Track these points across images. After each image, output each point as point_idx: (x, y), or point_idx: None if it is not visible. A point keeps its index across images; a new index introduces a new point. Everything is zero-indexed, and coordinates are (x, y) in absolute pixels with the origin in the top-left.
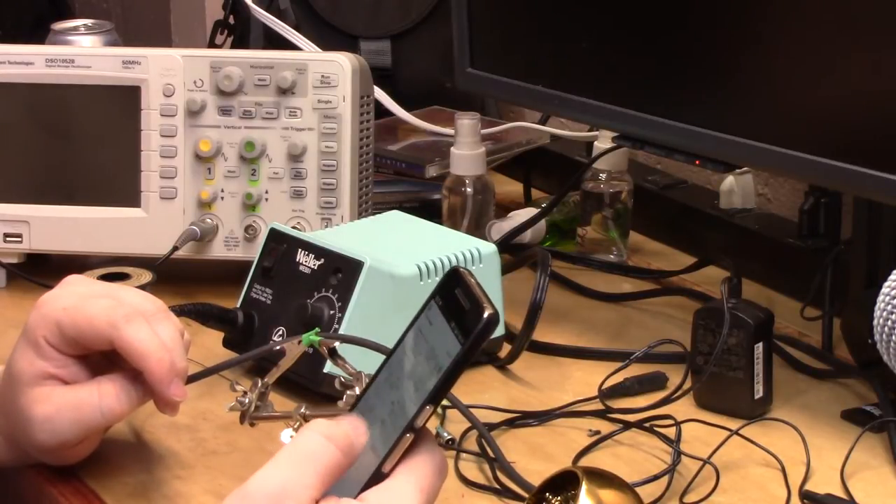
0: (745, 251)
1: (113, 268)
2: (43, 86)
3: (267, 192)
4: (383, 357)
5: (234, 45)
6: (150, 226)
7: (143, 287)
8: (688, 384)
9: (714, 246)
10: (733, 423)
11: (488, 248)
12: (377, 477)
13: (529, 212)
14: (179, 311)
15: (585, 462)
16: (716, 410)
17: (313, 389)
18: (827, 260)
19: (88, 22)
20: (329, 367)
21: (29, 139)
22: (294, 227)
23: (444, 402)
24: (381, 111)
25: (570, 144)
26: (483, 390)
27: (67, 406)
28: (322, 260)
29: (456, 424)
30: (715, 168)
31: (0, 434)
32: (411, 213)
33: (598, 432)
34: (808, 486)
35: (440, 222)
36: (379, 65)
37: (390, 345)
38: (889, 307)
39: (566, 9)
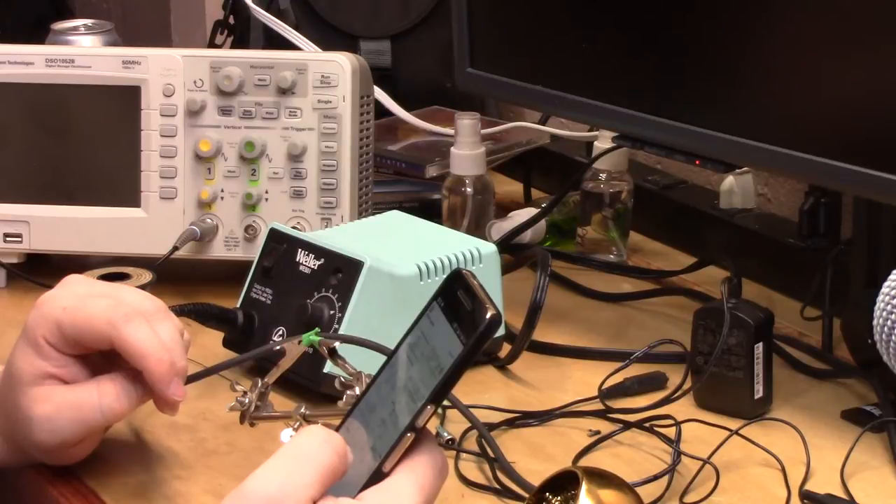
0: (745, 251)
1: (113, 268)
2: (43, 86)
3: (267, 192)
4: (383, 357)
5: (234, 45)
6: (150, 226)
7: (143, 287)
8: (688, 384)
9: (714, 246)
10: (733, 423)
11: (488, 248)
12: (377, 476)
13: (529, 212)
14: (179, 311)
15: (585, 462)
16: (716, 410)
17: (313, 389)
18: (827, 260)
19: (88, 22)
20: (329, 367)
21: (29, 139)
22: (294, 227)
23: (445, 402)
24: (381, 111)
25: (570, 144)
26: (483, 390)
27: (67, 405)
28: (322, 260)
29: (456, 424)
30: (715, 168)
31: (0, 434)
32: (411, 213)
33: (598, 432)
34: (808, 486)
35: (440, 222)
36: (379, 65)
37: (390, 345)
38: (889, 307)
39: (566, 9)
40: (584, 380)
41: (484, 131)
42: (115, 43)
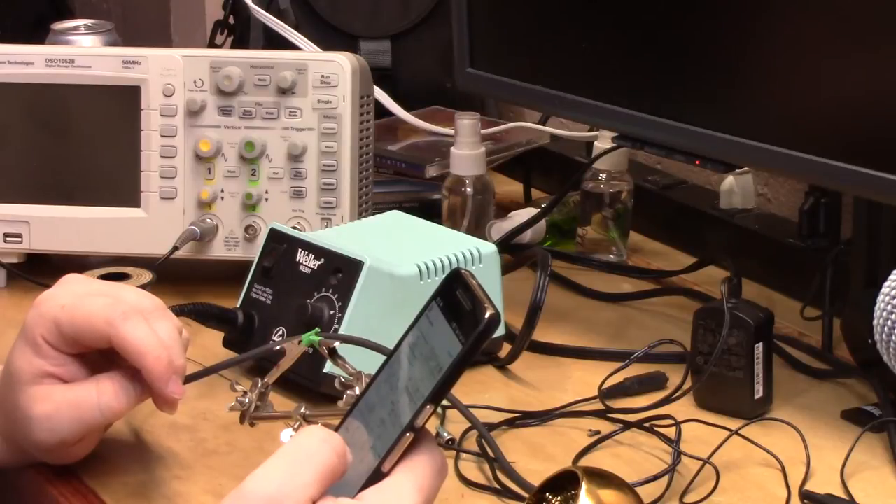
0: (745, 251)
1: (113, 268)
2: (43, 86)
3: (267, 192)
4: (383, 357)
5: (234, 45)
6: (150, 226)
7: (143, 287)
8: (688, 384)
9: (714, 246)
10: (733, 423)
11: (488, 248)
12: (376, 476)
13: (529, 212)
14: (179, 311)
15: (585, 462)
16: (716, 410)
17: (313, 389)
18: (827, 260)
19: (88, 22)
20: (329, 367)
21: (29, 139)
22: (294, 227)
23: (444, 402)
24: (381, 111)
25: (570, 144)
26: (483, 390)
27: (66, 404)
28: (322, 260)
29: (456, 424)
30: (715, 168)
31: (0, 434)
32: (411, 213)
33: (598, 432)
34: (808, 486)
35: (440, 222)
36: (379, 65)
37: (390, 345)
38: (889, 307)
39: (566, 9)
40: (584, 380)
41: (484, 131)
42: (115, 43)
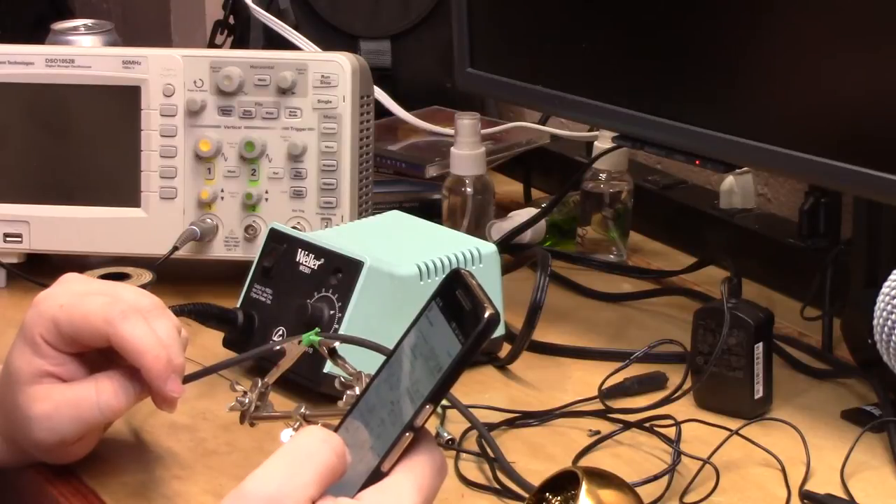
0: (745, 251)
1: (113, 268)
2: (43, 86)
3: (267, 192)
4: (383, 357)
5: (234, 45)
6: (150, 226)
7: (143, 287)
8: (688, 384)
9: (714, 246)
10: (733, 423)
11: (488, 248)
12: (376, 476)
13: (529, 212)
14: (179, 311)
15: (585, 462)
16: (716, 410)
17: (313, 389)
18: (827, 260)
19: (88, 22)
20: (329, 367)
21: (29, 139)
22: (294, 227)
23: (444, 402)
24: (381, 111)
25: (570, 144)
26: (483, 390)
27: (66, 403)
28: (322, 260)
29: (456, 424)
30: (715, 168)
31: (0, 434)
32: (411, 213)
33: (598, 432)
34: (808, 486)
35: (440, 222)
36: (379, 65)
37: (390, 345)
38: (889, 307)
39: (566, 9)
40: (584, 380)
41: (484, 131)
42: (115, 43)
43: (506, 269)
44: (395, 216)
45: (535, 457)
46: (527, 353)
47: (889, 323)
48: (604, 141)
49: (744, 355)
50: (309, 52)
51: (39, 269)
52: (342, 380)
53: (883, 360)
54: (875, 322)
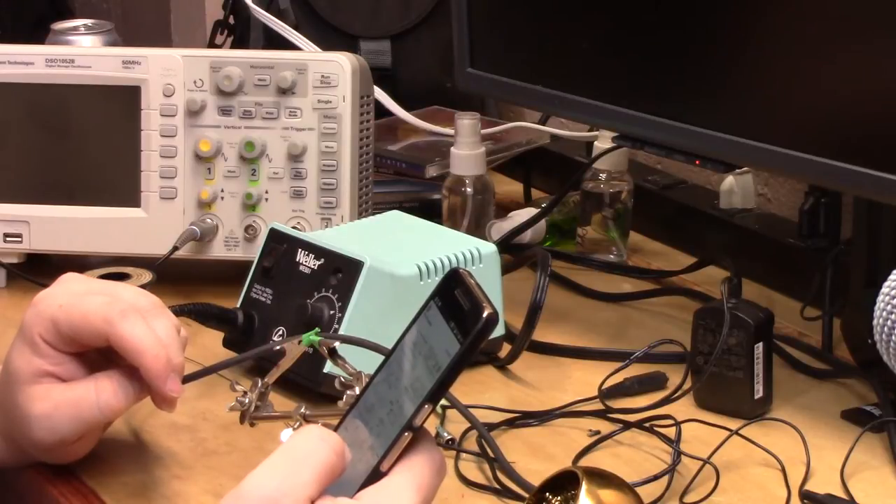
0: (745, 251)
1: (113, 268)
2: (43, 86)
3: (267, 192)
4: (383, 357)
5: (234, 45)
6: (150, 226)
7: (143, 287)
8: (688, 384)
9: (714, 246)
10: (733, 423)
11: (488, 248)
12: (375, 476)
13: (529, 212)
14: (179, 311)
15: (585, 462)
16: (716, 410)
17: (313, 389)
18: (827, 260)
19: (88, 22)
20: (329, 367)
21: (29, 139)
22: (294, 227)
23: (444, 402)
24: (381, 111)
25: (570, 144)
26: (483, 390)
27: (65, 403)
28: (322, 260)
29: (456, 424)
30: (715, 168)
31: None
32: (411, 213)
33: (598, 432)
34: (808, 486)
35: (440, 222)
36: (379, 65)
37: (390, 345)
38: (889, 307)
39: (566, 9)
40: (584, 380)
41: (484, 131)
42: (115, 43)
43: (506, 269)
44: (395, 216)
45: (535, 457)
46: (527, 353)
47: (889, 323)
48: (604, 141)
49: (744, 355)
50: (309, 52)
51: (39, 269)
52: (342, 380)
53: (883, 360)
54: (875, 322)
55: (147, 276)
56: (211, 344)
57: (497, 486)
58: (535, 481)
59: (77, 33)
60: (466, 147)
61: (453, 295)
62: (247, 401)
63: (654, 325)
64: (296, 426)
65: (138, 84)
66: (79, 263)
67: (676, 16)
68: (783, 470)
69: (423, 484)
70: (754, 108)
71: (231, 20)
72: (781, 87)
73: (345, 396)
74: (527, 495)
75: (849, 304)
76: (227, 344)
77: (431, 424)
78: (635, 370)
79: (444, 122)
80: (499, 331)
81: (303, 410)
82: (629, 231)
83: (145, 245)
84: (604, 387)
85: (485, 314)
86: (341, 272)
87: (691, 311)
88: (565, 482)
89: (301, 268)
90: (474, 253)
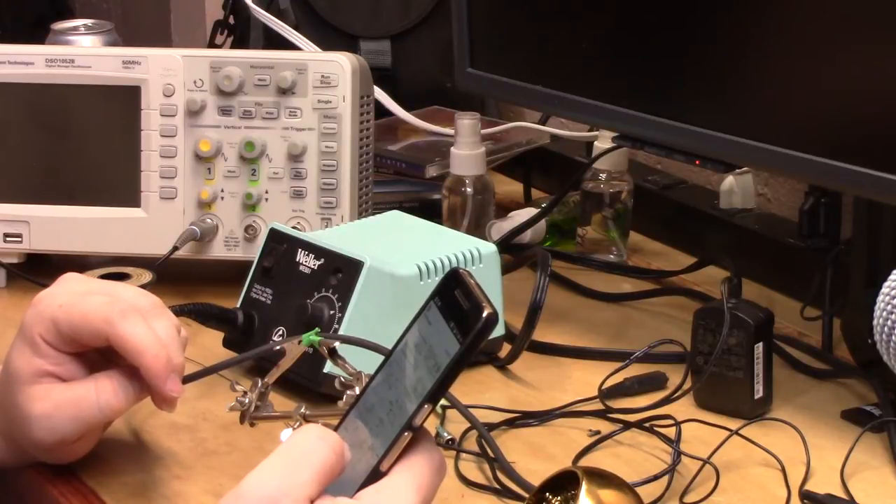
0: (745, 251)
1: (113, 268)
2: (43, 86)
3: (267, 192)
4: (383, 357)
5: (234, 45)
6: (150, 226)
7: (143, 287)
8: (688, 384)
9: (714, 246)
10: (733, 423)
11: (488, 248)
12: (375, 475)
13: (529, 212)
14: (179, 311)
15: (585, 462)
16: (716, 410)
17: (313, 389)
18: (827, 260)
19: (88, 22)
20: (329, 367)
21: (29, 139)
22: (294, 227)
23: (444, 402)
24: (381, 111)
25: (570, 144)
26: (483, 390)
27: (66, 403)
28: (322, 260)
29: (456, 424)
30: (715, 168)
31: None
32: (411, 213)
33: (598, 432)
34: (808, 486)
35: (440, 222)
36: (379, 65)
37: (390, 345)
38: (889, 307)
39: (566, 9)
40: (584, 380)
41: (484, 131)
42: (115, 43)
43: (506, 269)
44: (395, 216)
45: (535, 457)
46: (527, 353)
47: (889, 323)
48: (604, 141)
49: (744, 355)
50: (309, 52)
51: (39, 269)
52: (342, 380)
53: (883, 360)
54: (875, 322)
55: (147, 276)
56: (211, 344)
57: (497, 486)
58: (535, 481)
59: (77, 33)
60: (466, 147)
61: (453, 295)
62: (247, 401)
63: (654, 325)
64: (296, 426)
65: (138, 84)
66: (79, 263)
67: (676, 16)
68: (783, 470)
69: (423, 484)
70: (754, 108)
71: (231, 20)
72: (781, 87)
73: (345, 396)
74: (527, 495)
75: (849, 304)
76: (227, 344)
77: (431, 424)
78: (635, 370)
79: (444, 122)
80: (499, 331)
81: (303, 410)
82: (629, 231)
83: (145, 245)
84: (604, 387)
85: (485, 314)
86: (341, 272)
87: (691, 311)
88: (565, 482)
89: (301, 268)
90: (474, 253)
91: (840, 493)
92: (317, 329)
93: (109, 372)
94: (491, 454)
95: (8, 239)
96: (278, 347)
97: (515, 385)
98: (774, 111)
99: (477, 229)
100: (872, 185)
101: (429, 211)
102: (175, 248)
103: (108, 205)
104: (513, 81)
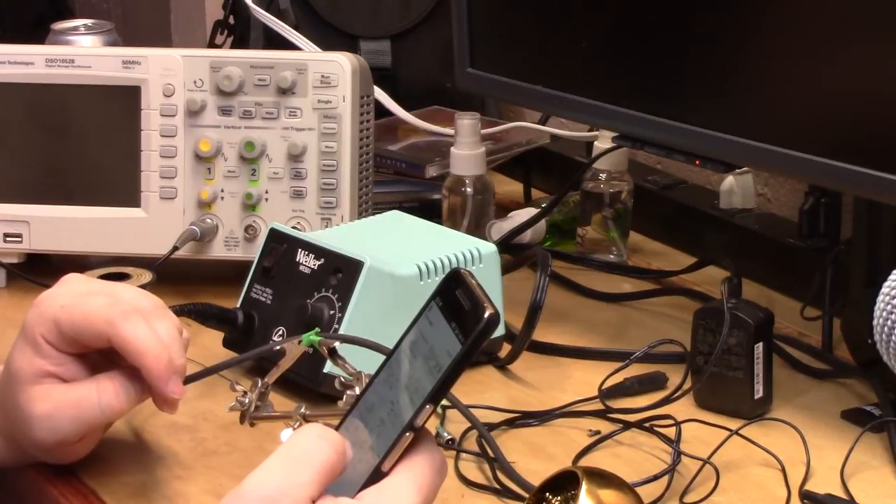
0: (745, 251)
1: (113, 268)
2: (43, 86)
3: (267, 192)
4: (383, 357)
5: (234, 45)
6: (150, 226)
7: (143, 287)
8: (688, 384)
9: (714, 246)
10: (733, 423)
11: (488, 248)
12: (376, 476)
13: (529, 212)
14: (179, 311)
15: (585, 462)
16: (716, 410)
17: (313, 389)
18: (827, 260)
19: (88, 22)
20: (329, 367)
21: (29, 139)
22: (294, 227)
23: (444, 402)
24: (381, 111)
25: (570, 144)
26: (483, 390)
27: (67, 403)
28: (322, 260)
29: (456, 424)
30: (715, 168)
31: (0, 434)
32: (411, 213)
33: (598, 432)
34: (808, 486)
35: (440, 222)
36: (379, 65)
37: (390, 345)
38: (889, 307)
39: (566, 9)
40: (584, 380)
41: (484, 131)
42: (115, 43)
43: (506, 269)
44: (395, 216)
45: (535, 457)
46: (527, 353)
47: (889, 323)
48: (604, 141)
49: (744, 355)
50: (309, 52)
51: (39, 269)
52: (342, 380)
53: (883, 360)
54: (875, 322)
55: (147, 276)
56: (211, 344)
57: (497, 486)
58: (535, 481)
59: (77, 33)
60: (466, 147)
61: (454, 295)
62: (247, 401)
63: (654, 325)
64: (296, 426)
65: (138, 84)
66: (79, 263)
67: (676, 16)
68: (783, 470)
69: (424, 484)
70: (754, 108)
71: (231, 20)
72: (781, 87)
73: (345, 396)
74: (527, 495)
75: (849, 304)
76: (227, 344)
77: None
78: (635, 370)
79: (444, 122)
80: (499, 331)
81: (303, 410)
82: (629, 231)
83: (145, 245)
84: (604, 387)
85: (486, 314)
86: (341, 272)
87: (691, 311)
88: (565, 482)
89: (301, 268)
90: (474, 253)
91: (840, 493)
92: (317, 329)
93: (111, 373)
94: (491, 454)
95: (8, 239)
96: (278, 347)
97: (515, 385)
98: (774, 111)
99: (477, 229)
100: (872, 185)
101: (429, 211)
102: (175, 248)
103: (108, 205)
104: (513, 81)
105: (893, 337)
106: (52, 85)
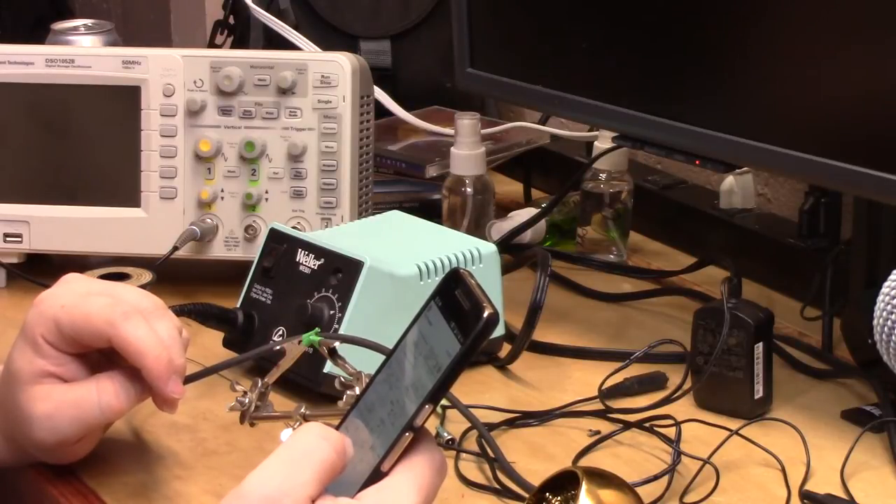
0: (745, 251)
1: (113, 268)
2: (43, 86)
3: (267, 192)
4: (383, 357)
5: (234, 45)
6: (150, 226)
7: (143, 287)
8: (688, 384)
9: (714, 246)
10: (733, 423)
11: (488, 248)
12: (376, 476)
13: (529, 212)
14: (179, 311)
15: (585, 462)
16: (716, 410)
17: (313, 389)
18: (827, 260)
19: (88, 22)
20: (329, 367)
21: (29, 139)
22: (294, 227)
23: (444, 402)
24: (381, 111)
25: (570, 144)
26: (483, 390)
27: (67, 404)
28: (322, 260)
29: (456, 424)
30: (715, 168)
31: (0, 434)
32: (411, 213)
33: (598, 432)
34: (808, 486)
35: (440, 222)
36: (379, 65)
37: (390, 345)
38: (889, 307)
39: (566, 9)
40: (584, 380)
41: (484, 131)
42: (115, 43)
43: (506, 269)
44: (395, 216)
45: (535, 457)
46: (527, 353)
47: (889, 323)
48: (604, 141)
49: (744, 355)
50: (309, 52)
51: (39, 269)
52: (342, 380)
53: (883, 360)
54: (875, 322)
55: (147, 277)
56: (211, 344)
57: (497, 486)
58: (535, 481)
59: (77, 33)
60: (466, 147)
61: (454, 295)
62: (247, 401)
63: (654, 325)
64: (296, 426)
65: (138, 84)
66: (79, 263)
67: (676, 16)
68: (783, 470)
69: (424, 484)
70: (754, 108)
71: (231, 20)
72: (781, 87)
73: (345, 396)
74: (527, 495)
75: (849, 304)
76: (227, 344)
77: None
78: (635, 370)
79: (444, 122)
80: (499, 331)
81: (303, 410)
82: (629, 231)
83: (145, 245)
84: (604, 387)
85: (485, 314)
86: (341, 272)
87: (691, 311)
88: (565, 482)
89: (301, 268)
90: (474, 253)
91: (840, 493)
92: (317, 329)
93: (111, 373)
94: (491, 454)
95: (8, 239)
96: (278, 347)
97: (515, 385)
98: (774, 111)
99: (477, 229)
100: (872, 185)
101: (429, 211)
102: (175, 248)
103: (108, 205)
104: (513, 81)
105: (893, 337)
106: (52, 85)
